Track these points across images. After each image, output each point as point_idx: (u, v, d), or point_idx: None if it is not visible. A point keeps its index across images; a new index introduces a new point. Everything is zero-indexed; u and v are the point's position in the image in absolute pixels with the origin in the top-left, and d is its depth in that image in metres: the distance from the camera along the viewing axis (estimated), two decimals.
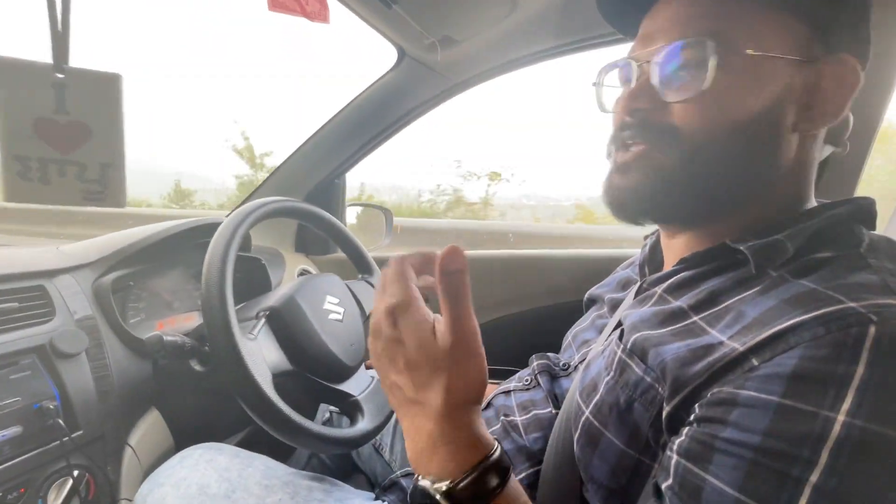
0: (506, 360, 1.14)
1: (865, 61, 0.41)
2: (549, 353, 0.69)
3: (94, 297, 0.68)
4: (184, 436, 0.73)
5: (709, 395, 0.33)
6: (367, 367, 0.78)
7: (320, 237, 1.26)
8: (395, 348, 0.36)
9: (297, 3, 0.51)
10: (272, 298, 0.70)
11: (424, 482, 0.35)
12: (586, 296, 0.72)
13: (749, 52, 0.38)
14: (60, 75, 0.38)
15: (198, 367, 0.71)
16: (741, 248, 0.39)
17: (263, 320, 0.65)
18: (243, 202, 1.20)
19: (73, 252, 0.73)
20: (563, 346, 0.68)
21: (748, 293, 0.37)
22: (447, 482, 0.34)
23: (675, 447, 0.35)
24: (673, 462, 0.34)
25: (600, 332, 0.59)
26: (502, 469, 0.35)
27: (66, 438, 0.55)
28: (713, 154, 0.40)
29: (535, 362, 0.66)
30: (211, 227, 0.86)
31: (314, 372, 0.67)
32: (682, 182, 0.41)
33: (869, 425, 0.27)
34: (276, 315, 0.67)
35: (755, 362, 0.32)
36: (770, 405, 0.30)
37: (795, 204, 0.43)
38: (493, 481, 0.34)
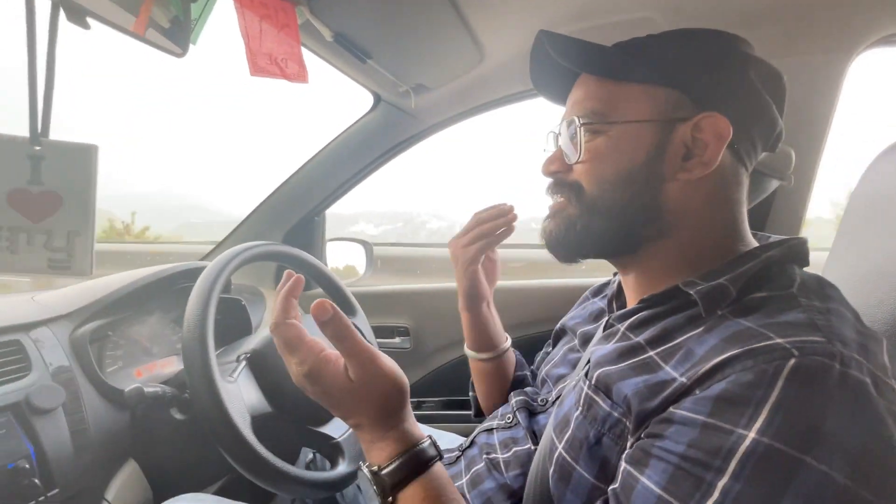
0: None
1: (751, 113, 0.46)
2: (527, 388, 0.71)
3: (71, 349, 0.67)
4: (163, 486, 0.72)
5: (661, 415, 0.38)
6: None
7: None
8: (324, 397, 0.47)
9: (277, 67, 0.54)
10: (253, 341, 0.71)
11: (364, 468, 0.46)
12: (557, 326, 0.75)
13: (615, 121, 0.47)
14: (38, 147, 0.40)
15: (178, 416, 0.71)
16: (691, 292, 0.43)
17: (244, 363, 0.66)
18: (220, 244, 1.21)
19: (48, 302, 0.72)
20: (539, 379, 0.70)
21: (696, 331, 0.41)
22: (376, 466, 0.44)
23: (624, 456, 0.39)
24: (621, 468, 0.39)
25: (573, 366, 0.62)
26: (424, 459, 0.45)
27: (42, 498, 0.54)
28: (606, 202, 0.48)
29: (514, 398, 0.67)
30: (191, 273, 0.87)
31: (295, 414, 0.67)
32: (586, 226, 0.49)
33: (773, 442, 0.31)
34: (257, 357, 0.68)
35: (697, 392, 0.36)
36: (697, 422, 0.34)
37: (727, 241, 0.48)
38: (415, 467, 0.44)
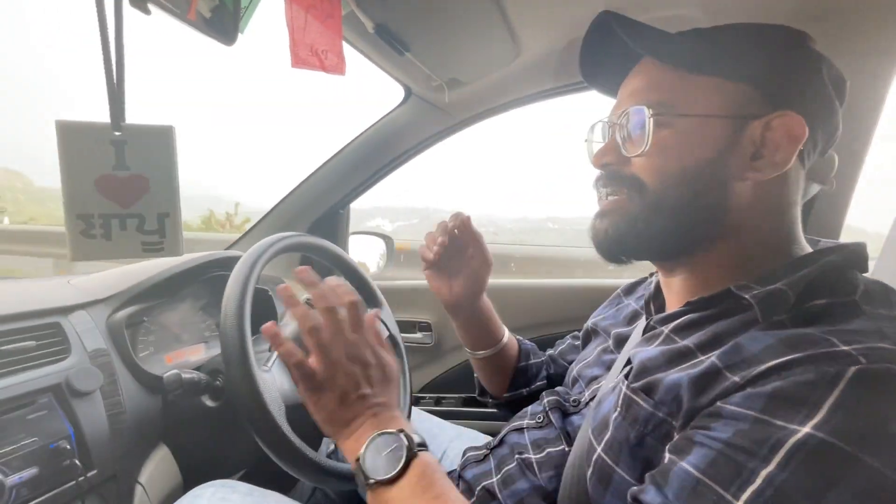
0: None
1: (820, 114, 0.45)
2: (558, 388, 0.70)
3: (108, 333, 0.68)
4: (192, 472, 0.73)
5: (709, 409, 0.37)
6: None
7: (323, 265, 1.28)
8: (366, 369, 0.49)
9: (317, 59, 0.54)
10: (285, 330, 0.71)
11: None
12: (586, 325, 0.74)
13: (685, 114, 0.45)
14: (118, 133, 0.40)
15: (209, 403, 0.71)
16: (746, 296, 0.42)
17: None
18: (246, 233, 1.22)
19: (85, 286, 0.73)
20: (569, 380, 0.69)
21: (751, 332, 0.40)
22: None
23: (667, 447, 0.39)
24: (665, 458, 0.38)
25: (608, 367, 0.61)
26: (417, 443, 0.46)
27: (82, 478, 0.55)
28: (670, 199, 0.46)
29: (546, 398, 0.66)
30: (224, 261, 0.87)
31: None
32: (647, 225, 0.47)
33: (827, 437, 0.30)
34: (295, 341, 0.68)
35: (748, 388, 0.35)
36: (748, 417, 0.34)
37: (782, 244, 0.46)
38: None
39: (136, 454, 0.66)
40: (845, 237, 0.88)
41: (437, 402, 1.17)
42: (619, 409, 0.46)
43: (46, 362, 0.59)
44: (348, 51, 0.79)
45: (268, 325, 0.49)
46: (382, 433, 0.45)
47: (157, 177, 0.42)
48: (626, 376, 0.47)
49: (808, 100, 0.44)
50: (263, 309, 0.96)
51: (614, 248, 0.50)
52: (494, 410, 1.11)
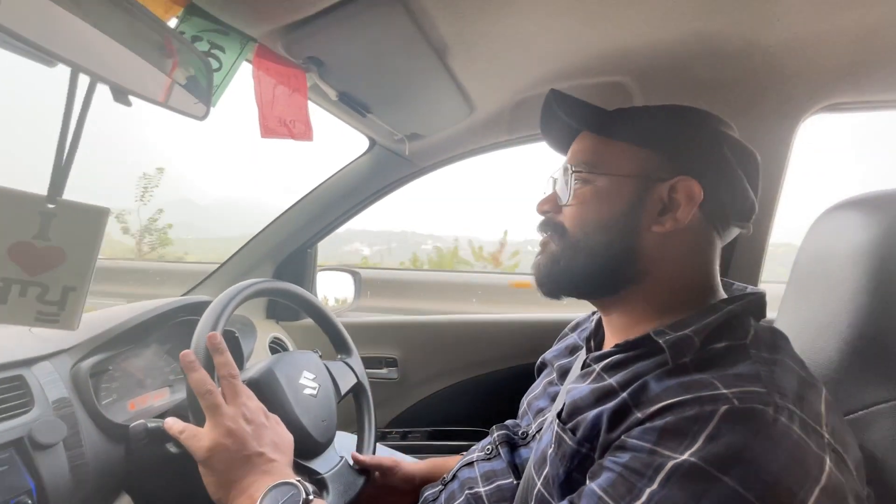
0: (471, 422, 1.19)
1: (721, 181, 0.53)
2: (507, 422, 0.75)
3: (71, 383, 0.69)
4: None
5: (616, 442, 0.45)
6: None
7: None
8: (260, 430, 0.58)
9: (286, 128, 0.60)
10: (251, 370, 0.74)
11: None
12: (539, 360, 0.80)
13: (604, 173, 0.54)
14: (51, 206, 0.42)
15: (173, 449, 0.72)
16: (660, 341, 0.49)
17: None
18: (210, 275, 1.23)
19: (48, 336, 0.74)
20: (521, 411, 0.75)
21: (660, 374, 0.47)
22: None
23: (587, 474, 0.46)
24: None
25: (552, 399, 0.67)
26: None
27: None
28: (586, 246, 0.54)
29: (496, 433, 0.71)
30: (192, 307, 0.89)
31: None
32: (567, 266, 0.55)
33: (697, 461, 0.38)
34: (255, 386, 0.70)
35: (647, 423, 0.43)
36: (644, 448, 0.41)
37: (696, 291, 0.54)
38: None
39: None
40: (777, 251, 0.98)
41: (404, 436, 1.20)
42: (552, 445, 0.51)
43: (8, 416, 0.60)
44: (317, 109, 0.86)
45: (184, 352, 0.57)
46: (280, 483, 0.51)
47: (76, 253, 0.43)
48: (560, 414, 0.53)
49: (709, 168, 0.53)
50: (231, 350, 0.97)
51: (544, 280, 0.58)
52: (461, 443, 1.15)
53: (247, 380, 0.70)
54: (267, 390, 0.70)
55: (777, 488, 0.36)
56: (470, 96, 0.88)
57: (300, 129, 0.62)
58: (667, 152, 0.53)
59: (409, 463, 0.83)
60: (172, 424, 0.58)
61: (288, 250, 1.22)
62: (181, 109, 0.55)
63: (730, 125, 0.56)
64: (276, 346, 1.19)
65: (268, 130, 0.58)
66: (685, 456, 0.38)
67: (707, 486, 0.37)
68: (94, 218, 0.45)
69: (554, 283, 0.57)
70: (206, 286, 1.19)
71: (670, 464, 0.39)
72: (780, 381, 0.42)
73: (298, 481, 0.50)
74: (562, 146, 0.64)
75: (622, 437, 0.44)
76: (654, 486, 0.39)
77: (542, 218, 0.60)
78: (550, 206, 0.59)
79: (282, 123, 0.59)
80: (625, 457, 0.42)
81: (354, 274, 1.44)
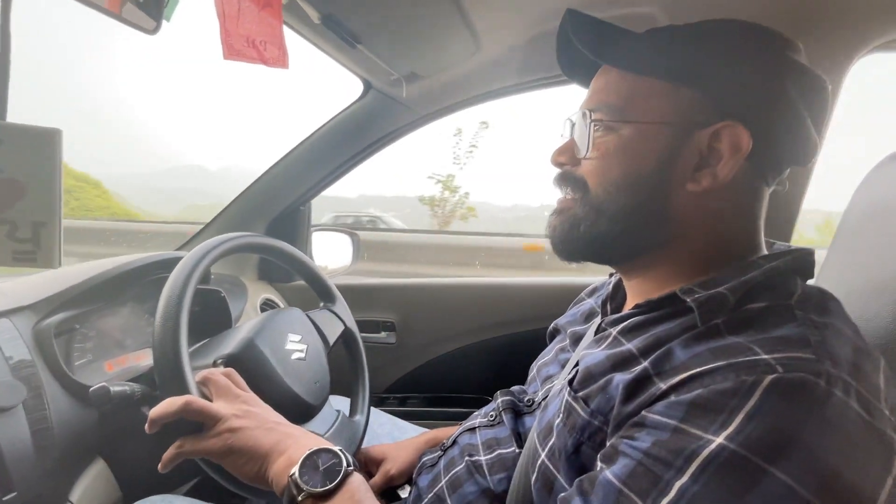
0: (473, 389, 1.15)
1: (778, 127, 0.43)
2: (513, 388, 0.70)
3: (34, 342, 0.63)
4: (132, 487, 0.69)
5: (634, 418, 0.38)
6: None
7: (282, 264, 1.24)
8: (263, 418, 0.50)
9: (254, 50, 0.50)
10: (230, 344, 0.68)
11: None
12: (551, 326, 0.74)
13: (631, 120, 0.44)
14: None
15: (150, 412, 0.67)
16: (688, 300, 0.42)
17: (221, 369, 0.63)
18: (199, 233, 1.17)
19: (9, 291, 0.68)
20: (529, 377, 0.69)
21: (686, 339, 0.40)
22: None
23: (599, 455, 0.39)
24: (597, 465, 0.39)
25: (563, 366, 0.61)
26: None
27: None
28: (611, 206, 0.46)
29: (500, 398, 0.66)
30: (167, 263, 0.82)
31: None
32: (590, 229, 0.47)
33: (738, 449, 0.31)
34: (235, 362, 0.65)
35: (672, 396, 0.36)
36: (668, 426, 0.34)
37: (734, 250, 0.46)
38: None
39: (66, 471, 0.61)
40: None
41: (402, 402, 1.16)
42: (560, 415, 0.46)
43: None
44: (300, 40, 0.76)
45: (152, 416, 0.49)
46: (319, 449, 0.44)
47: (36, 183, 0.38)
48: (571, 381, 0.47)
49: (764, 110, 0.42)
50: (216, 311, 0.92)
51: (561, 246, 0.50)
52: (461, 409, 1.11)
53: (226, 357, 0.64)
54: (251, 365, 0.64)
55: (839, 482, 0.30)
56: (476, 30, 0.77)
57: (273, 54, 0.53)
58: (709, 89, 0.43)
59: (400, 450, 0.76)
60: (168, 455, 0.50)
61: (279, 207, 1.15)
62: (129, 20, 0.46)
63: (794, 44, 0.44)
64: (268, 308, 1.13)
65: (232, 51, 0.49)
66: (720, 439, 0.31)
67: (752, 481, 0.30)
68: (46, 142, 0.39)
69: (573, 248, 0.50)
70: (193, 245, 1.13)
71: (704, 452, 0.32)
72: (832, 347, 0.35)
73: (340, 450, 0.45)
74: (586, 80, 0.53)
75: (642, 412, 0.37)
76: (685, 478, 0.32)
77: (557, 171, 0.51)
78: (567, 158, 0.50)
79: (250, 44, 0.50)
80: (646, 440, 0.35)
81: (352, 235, 1.37)
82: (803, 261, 0.45)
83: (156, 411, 0.47)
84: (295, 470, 0.43)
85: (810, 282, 0.46)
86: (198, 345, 0.73)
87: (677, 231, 0.45)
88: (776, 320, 0.38)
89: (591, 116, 0.46)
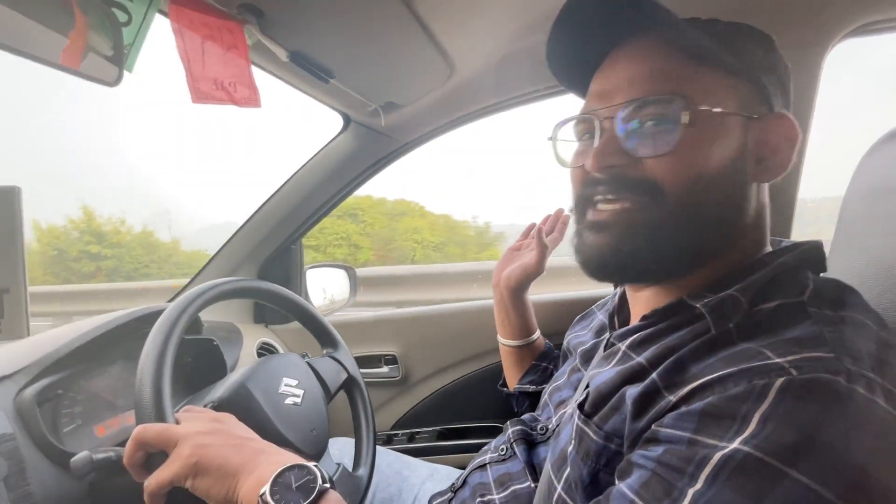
0: (484, 416, 1.10)
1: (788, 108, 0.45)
2: (525, 416, 0.67)
3: (15, 414, 0.60)
4: None
5: (646, 434, 0.37)
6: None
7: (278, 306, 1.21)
8: (236, 424, 0.50)
9: (224, 93, 0.50)
10: (220, 389, 0.65)
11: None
12: (564, 344, 0.71)
13: (708, 109, 0.39)
14: None
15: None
16: (697, 305, 0.40)
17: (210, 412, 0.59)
18: (191, 281, 1.15)
19: None
20: (541, 403, 0.66)
21: (697, 347, 0.38)
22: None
23: (616, 472, 0.38)
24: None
25: (575, 388, 0.58)
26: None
27: None
28: (692, 206, 0.41)
29: (511, 429, 0.63)
30: (155, 317, 0.80)
31: None
32: (669, 236, 0.41)
33: (753, 451, 0.29)
34: (225, 407, 0.62)
35: (682, 407, 0.34)
36: (683, 439, 0.33)
37: (753, 250, 0.45)
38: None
39: None
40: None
41: (411, 438, 1.11)
42: (573, 441, 0.43)
43: None
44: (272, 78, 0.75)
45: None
46: (292, 465, 0.41)
47: None
48: (582, 405, 0.44)
49: (788, 102, 0.44)
50: (210, 360, 0.89)
51: (625, 262, 0.43)
52: (471, 442, 1.06)
53: (216, 401, 0.61)
54: (241, 409, 0.61)
55: (867, 482, 0.27)
56: (448, 53, 0.77)
57: (243, 94, 0.52)
58: (758, 82, 0.42)
59: None
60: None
61: (270, 249, 1.13)
62: (88, 75, 0.45)
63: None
64: (265, 353, 1.10)
65: (200, 95, 0.48)
66: (735, 444, 0.29)
67: (770, 484, 0.28)
68: (4, 200, 0.37)
69: (639, 261, 0.42)
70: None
71: (717, 455, 0.30)
72: (851, 343, 0.33)
73: (316, 466, 0.42)
74: (581, 85, 0.48)
75: (652, 426, 0.35)
76: (699, 484, 0.30)
77: (595, 178, 0.43)
78: (621, 158, 0.42)
79: (218, 86, 0.49)
80: (658, 450, 0.33)
81: (348, 269, 1.35)
82: (813, 253, 0.43)
83: (125, 458, 0.46)
84: (265, 489, 0.39)
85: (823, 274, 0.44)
86: (191, 397, 0.70)
87: (742, 231, 0.44)
88: (789, 320, 0.36)
89: (680, 104, 0.39)
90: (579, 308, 0.78)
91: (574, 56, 0.47)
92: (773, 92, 0.42)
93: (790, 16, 0.77)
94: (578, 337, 0.67)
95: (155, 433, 0.45)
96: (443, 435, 1.11)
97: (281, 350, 1.14)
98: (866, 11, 0.75)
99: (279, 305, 0.79)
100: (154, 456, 0.46)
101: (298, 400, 0.69)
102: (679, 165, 0.40)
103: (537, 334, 0.86)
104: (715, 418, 0.32)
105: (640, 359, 0.41)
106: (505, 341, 0.86)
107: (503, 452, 0.60)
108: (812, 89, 0.82)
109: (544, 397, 0.65)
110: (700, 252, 0.42)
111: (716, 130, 0.40)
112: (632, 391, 0.39)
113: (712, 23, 0.44)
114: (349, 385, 0.79)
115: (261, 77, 0.62)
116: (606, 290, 1.07)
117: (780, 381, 0.31)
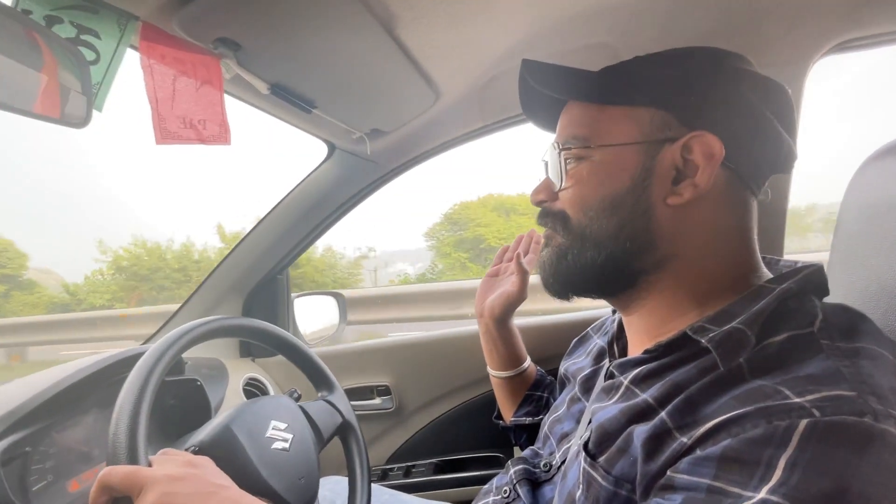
0: (483, 446, 1.06)
1: (746, 131, 0.43)
2: (525, 453, 0.64)
3: None
4: None
5: (661, 480, 0.35)
6: None
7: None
8: (208, 469, 0.47)
9: (191, 130, 0.48)
10: (202, 432, 0.61)
11: None
12: (561, 370, 0.69)
13: (606, 144, 0.45)
14: None
15: None
16: (702, 340, 0.39)
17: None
18: (170, 319, 1.10)
19: None
20: (541, 435, 0.63)
21: (706, 384, 0.37)
22: None
23: None
24: None
25: (577, 420, 0.56)
26: None
27: None
28: (593, 230, 0.46)
29: (513, 469, 0.60)
30: (130, 361, 0.76)
31: None
32: (575, 257, 0.47)
33: (784, 501, 0.27)
34: (206, 450, 0.58)
35: (697, 451, 0.33)
36: (702, 486, 0.31)
37: (734, 273, 0.44)
38: None
39: None
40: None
41: (407, 472, 1.06)
42: (580, 486, 0.41)
43: None
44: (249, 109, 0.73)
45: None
46: None
47: None
48: (587, 445, 0.42)
49: (728, 116, 0.43)
50: (194, 401, 0.84)
51: (551, 280, 0.50)
52: (470, 474, 1.02)
53: (197, 444, 0.58)
54: (223, 453, 0.57)
55: None
56: (432, 78, 0.76)
57: (213, 131, 0.50)
58: (671, 106, 0.43)
59: None
60: None
61: (255, 279, 1.10)
62: (53, 118, 0.43)
63: (746, 59, 0.46)
64: (253, 389, 1.06)
65: (166, 135, 0.45)
66: (763, 494, 0.27)
67: None
68: None
69: (562, 281, 0.49)
70: (166, 332, 1.06)
71: None
72: (870, 378, 0.32)
73: None
74: (551, 124, 0.54)
75: (668, 472, 0.33)
76: None
77: (540, 210, 0.52)
78: (546, 195, 0.51)
79: (186, 125, 0.47)
80: (676, 498, 0.31)
81: (337, 296, 1.31)
82: (815, 277, 0.43)
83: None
84: None
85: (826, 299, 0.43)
86: (176, 441, 0.66)
87: (668, 250, 0.44)
88: (801, 355, 0.35)
89: (560, 147, 0.47)
90: (568, 331, 0.76)
91: (535, 111, 0.55)
92: (693, 112, 0.43)
93: (767, 35, 0.78)
94: (577, 364, 0.65)
95: (122, 476, 0.42)
96: (441, 467, 1.07)
97: (269, 385, 1.10)
98: (845, 29, 0.76)
99: (268, 343, 0.75)
100: (120, 501, 0.43)
101: (287, 445, 0.65)
102: (577, 196, 0.47)
103: (528, 362, 0.83)
104: (735, 463, 0.30)
105: (646, 396, 0.40)
106: (495, 373, 0.83)
107: (507, 495, 0.58)
108: (795, 103, 0.82)
109: (544, 429, 0.62)
110: (616, 268, 0.46)
111: (609, 163, 0.45)
112: (640, 431, 0.37)
113: (624, 65, 0.48)
114: (344, 430, 0.75)
115: (242, 107, 0.61)
116: (596, 312, 1.05)
117: (802, 423, 0.29)
